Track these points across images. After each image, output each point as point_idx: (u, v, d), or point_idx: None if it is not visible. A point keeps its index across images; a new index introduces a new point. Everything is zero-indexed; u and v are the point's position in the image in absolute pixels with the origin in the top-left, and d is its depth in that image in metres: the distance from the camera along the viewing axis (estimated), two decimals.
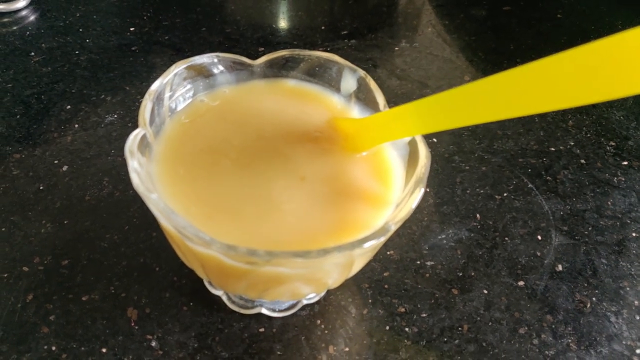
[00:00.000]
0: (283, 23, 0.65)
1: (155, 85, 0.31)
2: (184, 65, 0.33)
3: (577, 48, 0.19)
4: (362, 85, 0.34)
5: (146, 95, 0.30)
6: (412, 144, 0.31)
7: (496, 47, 0.63)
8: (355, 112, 0.35)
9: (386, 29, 0.64)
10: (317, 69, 0.35)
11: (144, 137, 0.29)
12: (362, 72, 0.34)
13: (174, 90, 0.33)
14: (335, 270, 0.28)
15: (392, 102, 0.52)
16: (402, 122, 0.29)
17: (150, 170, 0.30)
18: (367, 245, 0.25)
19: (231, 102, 0.35)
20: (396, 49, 0.61)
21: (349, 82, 0.35)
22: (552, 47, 0.62)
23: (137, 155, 0.27)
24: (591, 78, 0.19)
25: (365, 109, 0.34)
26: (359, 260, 0.29)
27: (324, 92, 0.36)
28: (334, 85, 0.35)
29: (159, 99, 0.31)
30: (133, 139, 0.28)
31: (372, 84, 0.34)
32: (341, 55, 0.35)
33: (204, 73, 0.34)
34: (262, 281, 0.27)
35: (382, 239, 0.26)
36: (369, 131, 0.31)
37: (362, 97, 0.34)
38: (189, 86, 0.34)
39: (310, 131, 0.33)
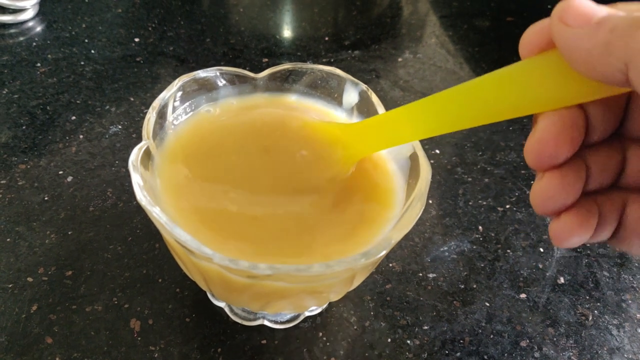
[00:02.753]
0: (287, 34, 0.65)
1: (159, 99, 0.31)
2: (188, 79, 0.33)
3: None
4: (363, 99, 0.35)
5: (150, 109, 0.31)
6: (414, 158, 0.31)
7: (499, 58, 0.63)
8: None
9: (390, 40, 0.65)
10: (319, 82, 0.36)
11: (147, 150, 0.29)
12: (364, 86, 0.34)
13: (177, 104, 0.33)
14: (337, 284, 0.28)
15: None
16: (399, 126, 0.28)
17: (154, 183, 0.30)
18: (368, 259, 0.25)
19: (235, 115, 0.35)
20: (399, 59, 0.61)
21: (350, 96, 0.35)
22: None
23: (140, 168, 0.28)
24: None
25: None
26: (361, 273, 0.29)
27: (326, 105, 0.36)
28: (336, 98, 0.36)
29: (162, 112, 0.32)
30: (137, 153, 0.28)
31: (374, 98, 0.34)
32: (344, 66, 0.35)
33: (207, 86, 0.35)
34: (264, 294, 0.27)
35: (383, 253, 0.26)
36: (365, 136, 0.31)
37: (364, 110, 0.35)
38: (192, 99, 0.34)
39: (311, 146, 0.33)
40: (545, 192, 0.21)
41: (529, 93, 0.21)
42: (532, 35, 0.21)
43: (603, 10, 0.18)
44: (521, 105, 0.21)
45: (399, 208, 0.30)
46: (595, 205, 0.22)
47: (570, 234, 0.21)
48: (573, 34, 0.18)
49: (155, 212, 0.25)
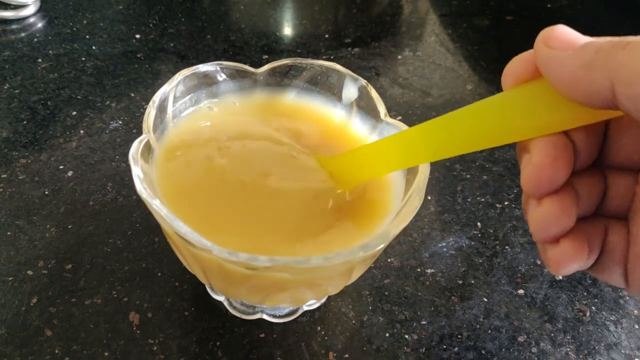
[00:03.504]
0: (287, 31, 0.65)
1: (159, 93, 0.32)
2: (188, 73, 0.33)
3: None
4: (363, 94, 0.35)
5: (150, 103, 0.31)
6: None
7: (499, 57, 0.63)
8: (357, 120, 0.35)
9: (389, 38, 0.65)
10: (319, 77, 0.36)
11: (147, 144, 0.30)
12: (363, 81, 0.34)
13: (177, 98, 0.33)
14: (336, 277, 0.28)
15: (393, 110, 0.53)
16: (391, 154, 0.28)
17: (153, 176, 0.30)
18: (366, 252, 0.25)
19: (233, 113, 0.35)
20: (399, 57, 0.62)
21: (350, 91, 0.35)
22: None
23: (140, 162, 0.28)
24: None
25: (366, 118, 0.35)
26: (359, 266, 0.30)
27: (325, 103, 0.36)
28: (335, 93, 0.36)
29: (163, 106, 0.32)
30: (137, 146, 0.28)
31: (373, 93, 0.34)
32: (344, 64, 0.35)
33: (207, 81, 0.35)
34: (263, 287, 0.28)
35: (382, 246, 0.26)
36: (353, 167, 0.31)
37: (363, 105, 0.35)
38: (192, 94, 0.34)
39: (308, 143, 0.34)
40: (547, 217, 0.21)
41: (517, 121, 0.21)
42: (515, 66, 0.22)
43: (586, 38, 0.19)
44: (510, 132, 0.22)
45: (398, 203, 0.31)
46: (584, 231, 0.22)
47: (571, 259, 0.22)
48: (558, 56, 0.19)
49: (155, 205, 0.25)
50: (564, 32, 0.20)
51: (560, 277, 0.40)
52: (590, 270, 0.23)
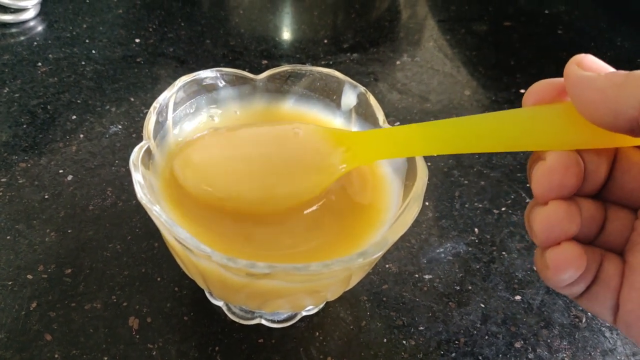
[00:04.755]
0: (286, 36, 0.65)
1: (159, 99, 0.32)
2: (188, 80, 0.34)
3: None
4: (362, 101, 0.35)
5: (151, 109, 0.31)
6: (410, 160, 0.31)
7: (497, 63, 0.63)
8: (355, 127, 0.36)
9: (388, 43, 0.65)
10: (318, 84, 0.36)
11: (148, 150, 0.30)
12: (362, 88, 0.35)
13: (178, 104, 0.34)
14: (334, 283, 0.29)
15: (392, 116, 0.53)
16: (404, 142, 0.29)
17: (153, 182, 0.30)
18: (365, 259, 0.25)
19: (235, 122, 0.36)
20: (397, 63, 0.62)
21: (349, 98, 0.35)
22: (552, 63, 0.63)
23: (140, 167, 0.28)
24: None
25: (365, 124, 0.35)
26: (357, 273, 0.30)
27: (324, 107, 0.37)
28: (334, 100, 0.36)
29: (162, 112, 0.32)
30: (137, 152, 0.29)
31: (372, 100, 0.34)
32: (343, 69, 0.35)
33: (207, 87, 0.35)
34: (261, 293, 0.28)
35: (380, 253, 0.26)
36: (371, 146, 0.31)
37: (362, 112, 0.35)
38: (192, 100, 0.35)
39: (309, 150, 0.33)
40: (552, 218, 0.22)
41: (537, 134, 0.23)
42: (539, 87, 0.23)
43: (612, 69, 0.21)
44: (528, 143, 0.23)
45: (396, 210, 0.31)
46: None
47: (570, 263, 0.22)
48: (590, 76, 0.20)
49: (155, 211, 0.26)
50: (595, 60, 0.21)
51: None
52: (580, 299, 0.24)
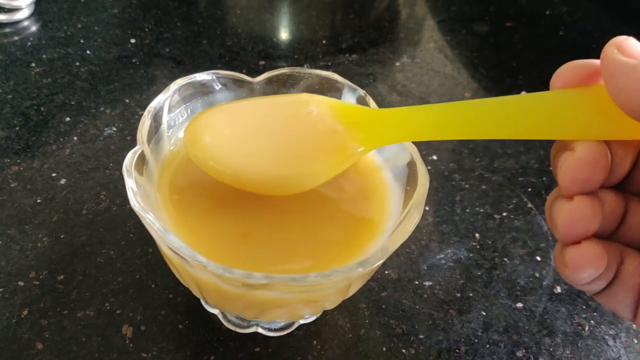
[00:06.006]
0: (284, 36, 0.65)
1: (154, 103, 0.31)
2: (184, 83, 0.33)
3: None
4: (361, 104, 0.34)
5: (145, 112, 0.30)
6: (411, 165, 0.30)
7: (498, 64, 0.63)
8: None
9: (387, 44, 0.64)
10: (316, 87, 0.35)
11: (142, 155, 0.29)
12: (361, 91, 0.34)
13: (173, 108, 0.33)
14: (333, 293, 0.28)
15: None
16: (427, 124, 0.27)
17: (148, 188, 0.30)
18: (365, 268, 0.25)
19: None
20: (397, 64, 0.61)
21: (348, 101, 0.35)
22: (554, 64, 0.62)
23: (134, 173, 0.27)
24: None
25: None
26: (357, 282, 0.29)
27: None
28: None
29: (157, 116, 0.31)
30: (131, 157, 0.28)
31: (372, 103, 0.34)
32: (342, 70, 0.35)
33: (203, 90, 0.34)
34: (258, 303, 0.27)
35: (380, 262, 0.26)
36: (387, 125, 0.29)
37: None
38: (188, 103, 0.34)
39: (324, 130, 0.31)
40: (576, 213, 0.21)
41: (563, 120, 0.22)
42: (567, 70, 0.22)
43: None
44: (554, 130, 0.22)
45: (396, 216, 0.30)
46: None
47: (590, 262, 0.22)
48: (629, 62, 0.19)
49: (149, 219, 0.25)
50: (637, 44, 0.20)
51: (559, 290, 0.39)
52: (599, 296, 0.23)
